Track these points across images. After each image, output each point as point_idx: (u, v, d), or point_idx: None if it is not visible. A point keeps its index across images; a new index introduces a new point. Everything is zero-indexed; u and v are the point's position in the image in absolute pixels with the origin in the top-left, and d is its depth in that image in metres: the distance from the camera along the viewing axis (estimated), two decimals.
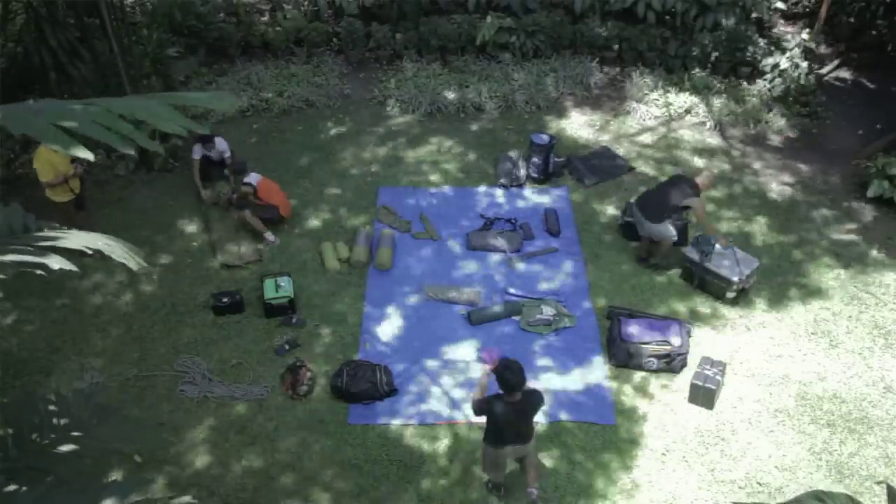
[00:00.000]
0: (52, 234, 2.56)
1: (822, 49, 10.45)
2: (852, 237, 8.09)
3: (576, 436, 6.05)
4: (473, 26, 10.47)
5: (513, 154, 8.72)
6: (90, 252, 2.49)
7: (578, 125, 9.75)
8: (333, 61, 10.72)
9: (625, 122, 9.81)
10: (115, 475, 5.63)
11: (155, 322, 7.01)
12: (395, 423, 6.14)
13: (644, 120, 9.81)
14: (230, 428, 6.11)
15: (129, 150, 2.04)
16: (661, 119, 9.81)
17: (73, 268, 2.30)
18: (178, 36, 10.11)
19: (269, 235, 7.79)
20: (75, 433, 2.93)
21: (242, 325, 6.97)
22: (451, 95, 9.94)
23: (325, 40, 10.77)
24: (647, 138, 9.51)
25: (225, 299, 6.98)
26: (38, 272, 2.30)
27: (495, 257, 7.71)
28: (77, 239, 2.46)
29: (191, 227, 8.07)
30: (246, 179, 7.67)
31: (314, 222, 8.14)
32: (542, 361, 6.65)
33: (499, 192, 8.58)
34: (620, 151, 9.26)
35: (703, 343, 6.85)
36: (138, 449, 5.82)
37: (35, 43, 8.54)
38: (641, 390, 6.44)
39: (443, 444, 6.00)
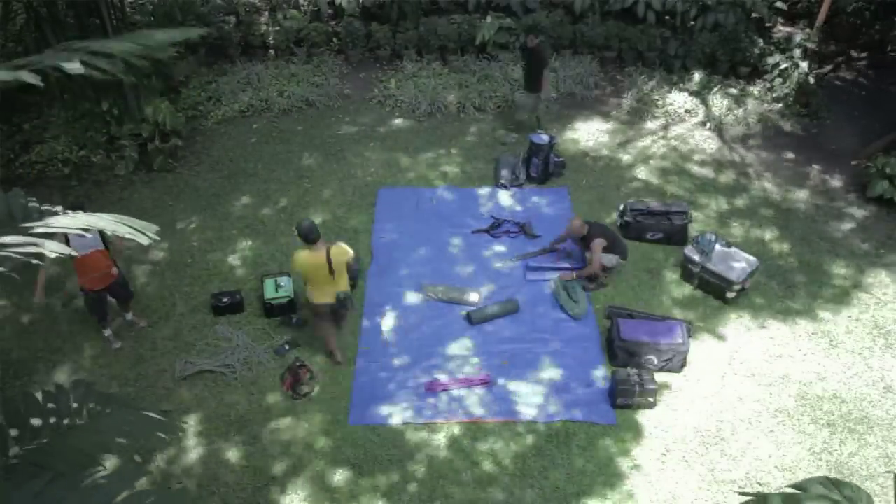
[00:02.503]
0: (52, 218, 2.54)
1: (822, 49, 10.44)
2: (852, 237, 8.09)
3: (576, 436, 6.04)
4: (473, 26, 10.47)
5: (512, 155, 8.72)
6: (89, 235, 2.47)
7: (578, 125, 9.75)
8: (333, 61, 10.73)
9: (624, 123, 9.81)
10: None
11: (155, 322, 7.01)
12: (395, 422, 6.13)
13: (644, 120, 9.82)
14: (230, 427, 6.11)
15: (120, 74, 2.03)
16: (661, 119, 9.82)
17: (72, 252, 2.28)
18: None
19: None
20: (75, 427, 2.92)
21: (242, 325, 6.97)
22: (451, 95, 9.94)
23: (325, 40, 10.78)
24: (646, 138, 9.51)
25: (225, 299, 6.98)
26: (35, 262, 2.29)
27: (495, 261, 7.69)
28: (77, 221, 2.44)
29: (191, 227, 8.07)
30: None
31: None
32: (543, 362, 6.65)
33: (499, 192, 8.58)
34: (620, 152, 9.26)
35: (703, 343, 6.85)
36: (141, 445, 5.83)
37: (35, 43, 8.55)
38: None
39: (442, 443, 6.00)
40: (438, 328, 6.94)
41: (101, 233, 5.95)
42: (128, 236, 2.42)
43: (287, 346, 6.72)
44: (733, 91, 10.18)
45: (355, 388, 6.40)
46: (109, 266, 6.23)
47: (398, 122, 9.75)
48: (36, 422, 2.90)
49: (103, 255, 6.14)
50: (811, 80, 9.95)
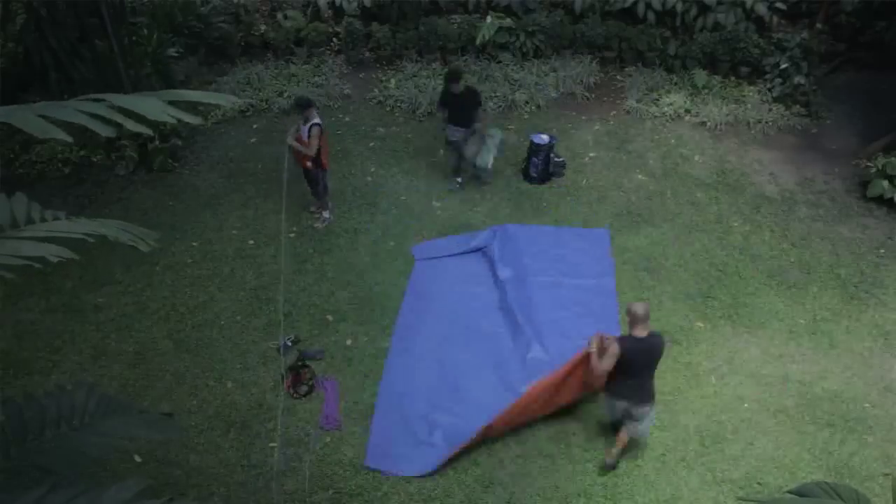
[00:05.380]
0: (55, 223, 2.56)
1: (822, 49, 10.44)
2: (852, 237, 8.09)
3: (576, 435, 6.05)
4: (473, 26, 10.47)
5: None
6: (91, 240, 2.47)
7: (578, 125, 9.75)
8: (333, 61, 10.73)
9: (624, 123, 9.81)
10: (114, 474, 5.64)
11: (155, 322, 7.01)
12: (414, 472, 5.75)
13: (644, 120, 9.82)
14: (230, 428, 6.11)
15: (111, 134, 2.04)
16: (661, 119, 9.81)
17: (74, 255, 2.28)
18: (178, 36, 10.12)
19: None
20: (77, 429, 2.93)
21: (243, 325, 6.98)
22: None
23: (325, 40, 10.79)
24: (646, 138, 9.51)
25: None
26: (37, 265, 2.29)
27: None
28: (80, 227, 2.46)
29: (191, 227, 8.07)
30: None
31: (315, 225, 8.13)
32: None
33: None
34: (620, 152, 9.27)
35: (701, 343, 6.85)
36: (141, 446, 5.84)
37: (35, 43, 8.55)
38: None
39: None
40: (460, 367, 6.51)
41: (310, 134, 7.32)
42: (130, 243, 2.46)
43: (290, 343, 6.71)
44: (733, 91, 10.19)
45: (374, 431, 6.04)
46: (304, 157, 7.53)
47: (398, 122, 9.75)
48: (37, 423, 2.90)
49: (303, 145, 7.44)
50: (811, 80, 9.95)
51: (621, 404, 5.48)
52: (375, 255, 7.76)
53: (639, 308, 5.15)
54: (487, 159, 7.90)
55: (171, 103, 2.14)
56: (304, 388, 6.36)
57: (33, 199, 2.86)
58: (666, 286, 7.42)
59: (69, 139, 1.95)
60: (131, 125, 2.04)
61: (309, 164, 7.59)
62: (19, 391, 6.31)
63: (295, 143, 7.43)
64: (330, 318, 7.06)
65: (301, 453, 5.91)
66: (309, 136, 7.36)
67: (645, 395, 5.41)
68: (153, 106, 2.07)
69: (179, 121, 2.13)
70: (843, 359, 6.77)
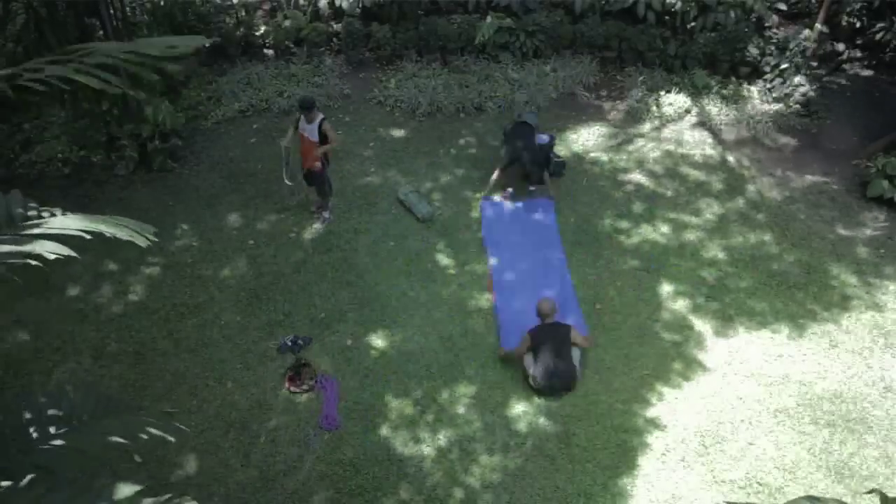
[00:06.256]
0: (52, 220, 2.55)
1: (822, 49, 10.44)
2: (852, 237, 8.09)
3: (576, 436, 6.05)
4: (473, 26, 10.47)
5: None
6: (89, 237, 2.46)
7: (578, 125, 9.75)
8: (333, 61, 10.73)
9: (624, 123, 9.81)
10: (114, 474, 5.63)
11: (155, 322, 7.01)
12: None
13: (644, 120, 9.81)
14: (230, 428, 6.11)
15: (114, 89, 2.10)
16: (661, 119, 9.81)
17: (72, 253, 2.27)
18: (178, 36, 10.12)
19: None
20: (76, 429, 2.93)
21: (243, 325, 6.98)
22: (450, 95, 9.94)
23: (325, 40, 10.78)
24: (646, 139, 9.51)
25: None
26: (35, 263, 2.28)
27: None
28: (77, 223, 2.45)
29: (191, 227, 8.07)
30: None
31: (315, 225, 8.14)
32: None
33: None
34: (620, 152, 9.26)
35: (702, 343, 6.86)
36: (141, 446, 5.84)
37: (35, 43, 8.53)
38: (641, 390, 6.44)
39: (441, 444, 6.00)
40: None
41: (320, 131, 7.45)
42: (128, 239, 2.44)
43: (289, 343, 6.71)
44: (733, 91, 10.18)
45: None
46: (313, 158, 7.59)
47: (398, 122, 9.74)
48: (36, 423, 2.90)
49: (311, 146, 7.54)
50: (811, 80, 9.95)
51: (546, 385, 6.29)
52: (375, 255, 7.76)
53: (544, 306, 6.30)
54: (423, 210, 8.15)
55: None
56: (304, 387, 6.37)
57: (33, 199, 2.86)
58: (666, 286, 7.42)
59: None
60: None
61: (318, 164, 7.64)
62: (19, 391, 6.31)
63: (326, 148, 7.58)
64: (329, 318, 7.06)
65: (301, 453, 5.91)
66: (321, 133, 7.47)
67: (566, 378, 6.25)
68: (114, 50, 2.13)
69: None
70: (843, 359, 6.77)
